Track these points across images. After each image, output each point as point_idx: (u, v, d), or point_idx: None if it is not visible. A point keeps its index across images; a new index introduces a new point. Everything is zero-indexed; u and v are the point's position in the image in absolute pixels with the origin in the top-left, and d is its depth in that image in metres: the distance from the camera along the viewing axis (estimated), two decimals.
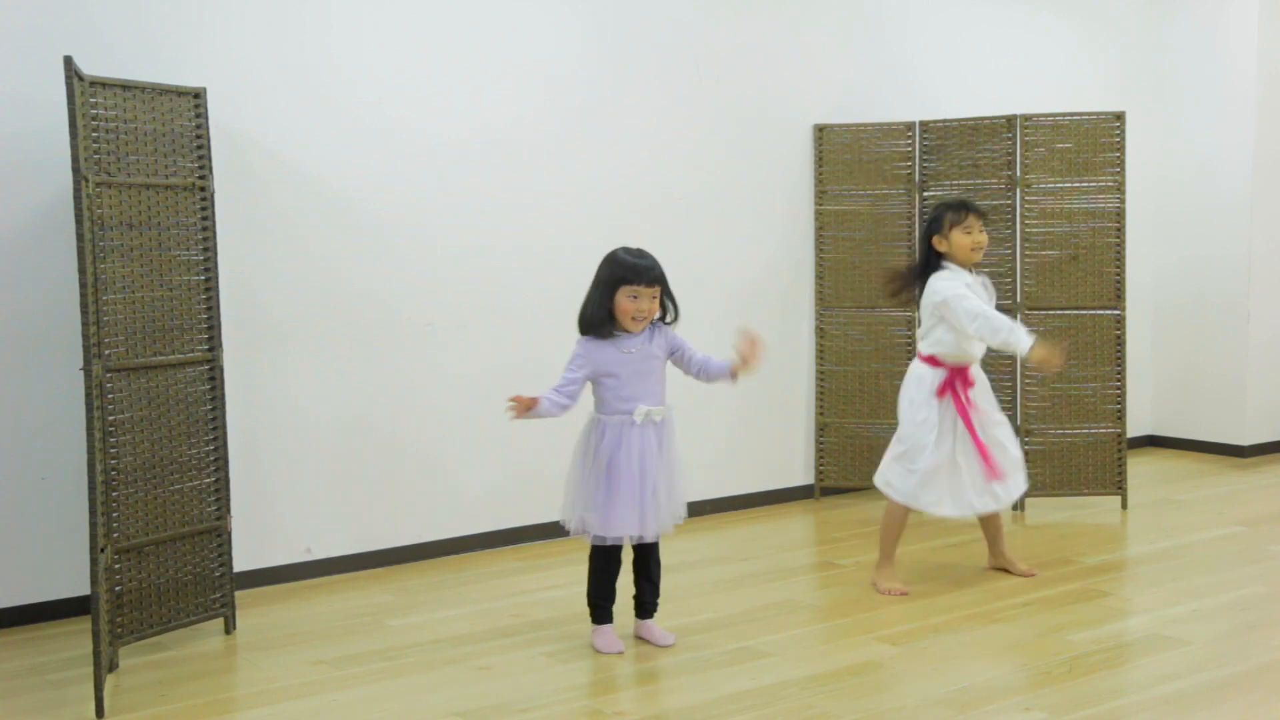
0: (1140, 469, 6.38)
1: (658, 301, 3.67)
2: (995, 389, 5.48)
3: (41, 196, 4.06)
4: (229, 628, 4.01)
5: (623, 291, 3.62)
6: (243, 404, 4.39)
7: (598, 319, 3.64)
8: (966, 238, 4.25)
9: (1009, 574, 4.52)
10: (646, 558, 3.82)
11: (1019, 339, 4.10)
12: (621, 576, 3.85)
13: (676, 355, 3.79)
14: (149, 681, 3.56)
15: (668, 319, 3.75)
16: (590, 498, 3.66)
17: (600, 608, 3.82)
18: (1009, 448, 4.36)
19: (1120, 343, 5.51)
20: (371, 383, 4.72)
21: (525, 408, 3.57)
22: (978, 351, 4.33)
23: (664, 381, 3.76)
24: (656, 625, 3.87)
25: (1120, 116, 5.46)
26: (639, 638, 3.84)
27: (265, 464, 4.50)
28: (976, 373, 4.36)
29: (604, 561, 3.78)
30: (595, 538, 3.70)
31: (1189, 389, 6.94)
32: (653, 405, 3.67)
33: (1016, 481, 4.36)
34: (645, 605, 3.86)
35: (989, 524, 4.54)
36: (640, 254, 3.66)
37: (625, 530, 3.65)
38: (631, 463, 3.63)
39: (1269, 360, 6.73)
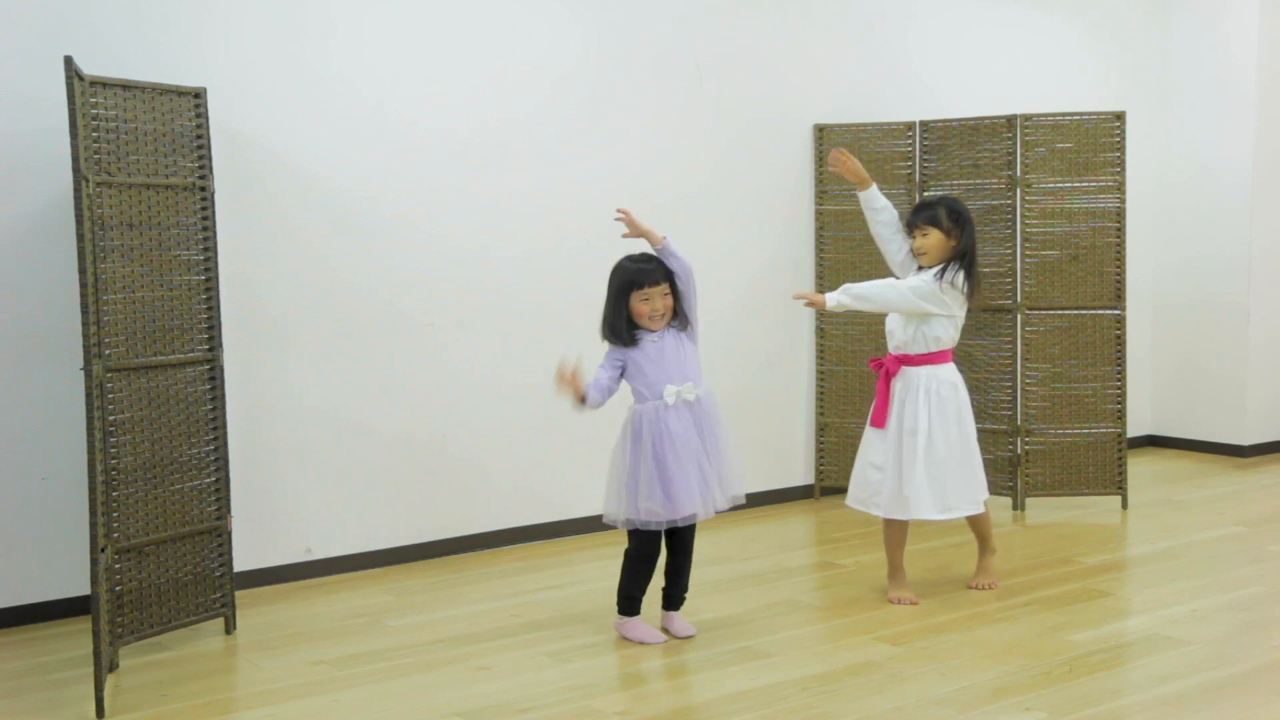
0: (1140, 469, 6.38)
1: (670, 297, 3.82)
2: (995, 388, 5.53)
3: (41, 196, 4.06)
4: (229, 628, 4.01)
5: (634, 297, 3.80)
6: (243, 404, 4.39)
7: (619, 327, 3.81)
8: (924, 240, 4.16)
9: (980, 577, 4.40)
10: (681, 549, 3.89)
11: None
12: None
13: (680, 297, 3.85)
14: (149, 681, 3.57)
15: (680, 322, 3.86)
16: (644, 486, 3.72)
17: (634, 599, 3.88)
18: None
19: (1120, 343, 5.51)
20: (372, 383, 4.72)
21: (571, 384, 3.73)
22: (897, 333, 4.21)
23: (694, 363, 3.86)
24: (679, 617, 3.92)
25: (1120, 116, 5.46)
26: (664, 629, 3.90)
27: (265, 464, 4.50)
28: (928, 373, 4.18)
29: (646, 552, 3.84)
30: (642, 524, 3.76)
31: (1189, 389, 6.94)
32: (682, 384, 3.78)
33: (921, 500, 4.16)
34: (673, 598, 3.93)
35: (973, 525, 4.40)
36: (644, 258, 3.84)
37: (689, 509, 3.73)
38: (676, 443, 3.73)
39: (1269, 360, 6.73)
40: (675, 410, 3.77)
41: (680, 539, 3.88)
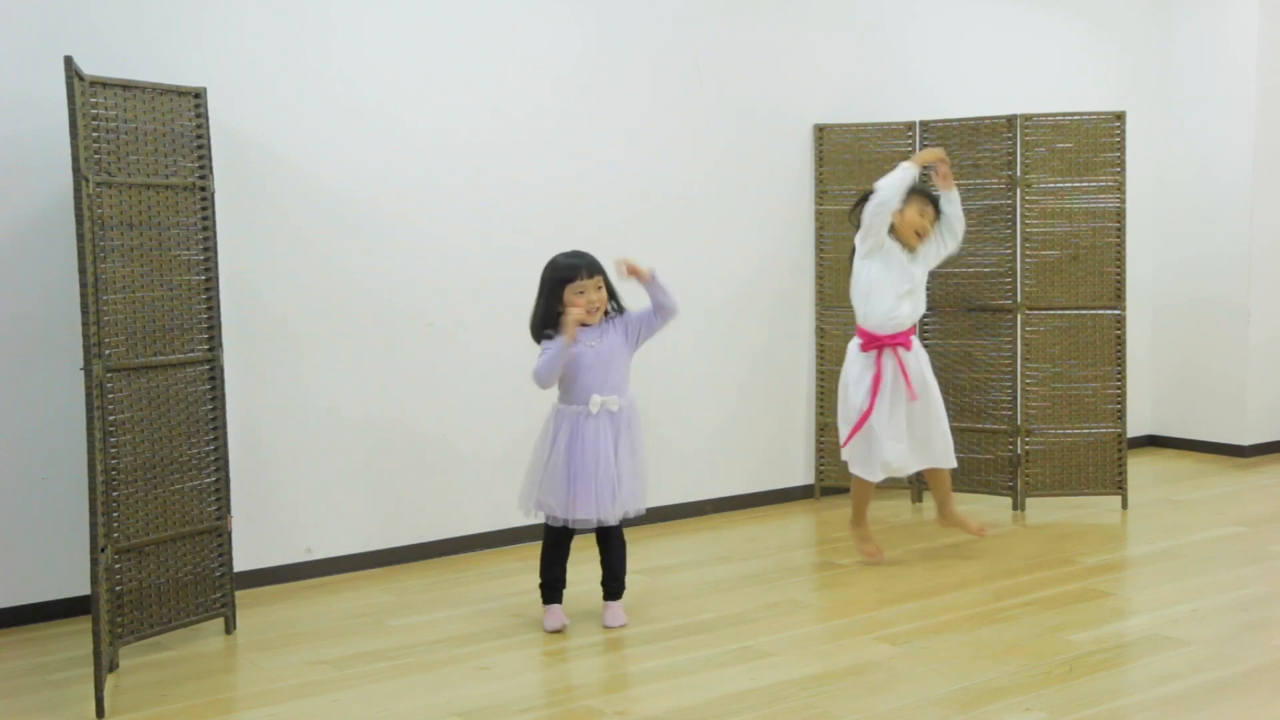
0: (1140, 469, 6.38)
1: (604, 290, 3.89)
2: (995, 388, 5.53)
3: (41, 196, 4.06)
4: (229, 628, 4.01)
5: (569, 290, 3.84)
6: (243, 404, 4.39)
7: (548, 323, 3.87)
8: (919, 219, 4.62)
9: (965, 531, 4.88)
10: (607, 542, 4.01)
11: (898, 175, 4.49)
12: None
13: (636, 327, 3.96)
14: (149, 681, 3.57)
15: (614, 307, 3.96)
16: (551, 483, 3.86)
17: (548, 587, 4.02)
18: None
19: (1120, 343, 5.51)
20: (371, 382, 4.72)
21: (633, 270, 3.84)
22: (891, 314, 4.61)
23: (626, 372, 3.95)
24: (616, 606, 4.03)
25: (1120, 116, 5.46)
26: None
27: (265, 464, 4.50)
28: (915, 340, 4.69)
29: (553, 544, 3.99)
30: (550, 519, 3.92)
31: (1189, 389, 6.94)
32: (608, 395, 3.87)
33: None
34: (606, 587, 4.06)
35: (935, 485, 4.82)
36: (576, 253, 3.90)
37: (585, 514, 3.86)
38: (587, 450, 3.84)
39: (1269, 360, 6.73)
40: (597, 419, 3.86)
41: (606, 532, 4.00)
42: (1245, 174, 6.59)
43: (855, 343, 4.66)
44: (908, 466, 4.66)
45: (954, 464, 4.76)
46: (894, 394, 4.57)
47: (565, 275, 3.84)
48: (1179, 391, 6.99)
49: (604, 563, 4.04)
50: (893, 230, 4.59)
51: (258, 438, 4.48)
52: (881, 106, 5.91)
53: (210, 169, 3.93)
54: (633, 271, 3.84)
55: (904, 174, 4.50)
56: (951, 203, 4.67)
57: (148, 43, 4.19)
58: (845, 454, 4.67)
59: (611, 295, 3.94)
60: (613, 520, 3.92)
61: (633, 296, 4.00)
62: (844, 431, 4.65)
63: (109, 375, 3.59)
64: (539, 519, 4.00)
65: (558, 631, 3.94)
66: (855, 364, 4.62)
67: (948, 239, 4.70)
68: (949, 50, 6.18)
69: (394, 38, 4.69)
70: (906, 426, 4.61)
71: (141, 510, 3.72)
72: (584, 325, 3.85)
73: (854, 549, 4.76)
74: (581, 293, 3.83)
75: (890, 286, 4.54)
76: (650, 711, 3.30)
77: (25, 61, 3.99)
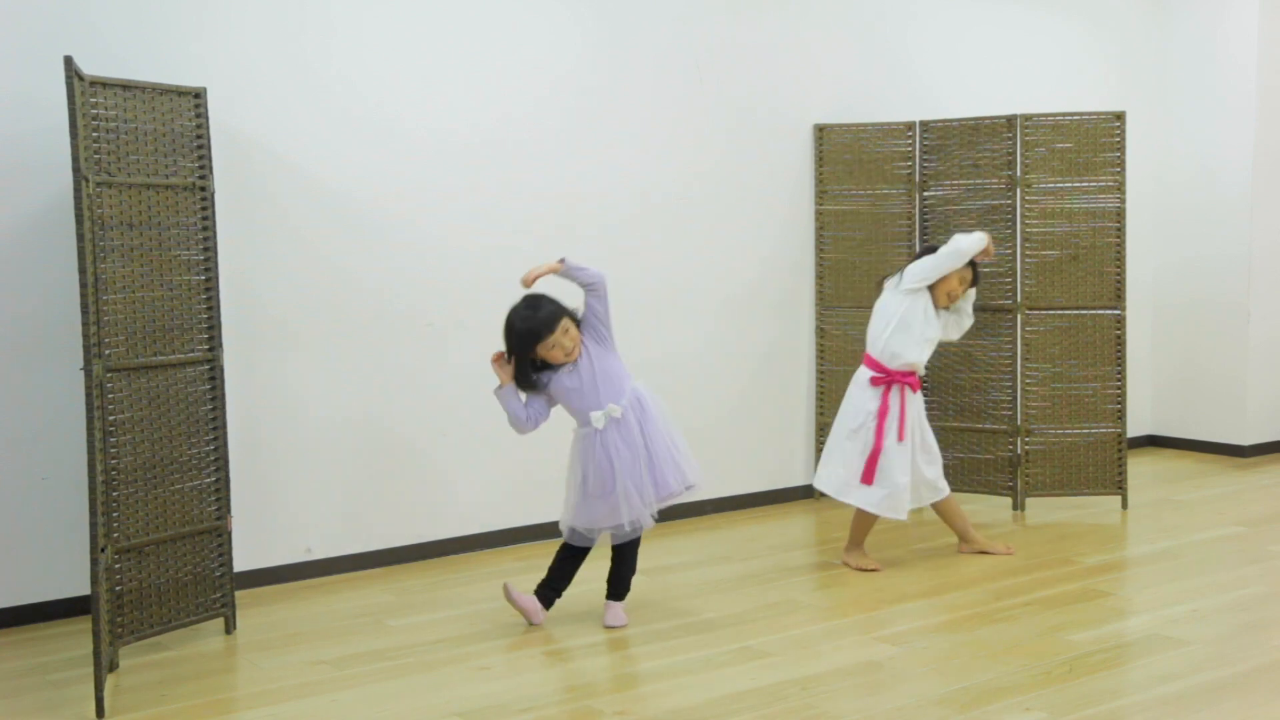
0: (1140, 469, 6.38)
1: (571, 330, 3.86)
2: (995, 388, 5.53)
3: (41, 196, 4.06)
4: (229, 628, 4.01)
5: (541, 349, 3.84)
6: (243, 404, 4.39)
7: (526, 379, 3.91)
8: (958, 286, 4.68)
9: (988, 554, 4.79)
10: (621, 551, 4.04)
11: (976, 240, 4.60)
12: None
13: (592, 324, 3.93)
14: (149, 681, 3.57)
15: (595, 335, 3.95)
16: (578, 506, 3.94)
17: (545, 585, 4.06)
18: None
19: (1120, 343, 5.51)
20: (372, 383, 4.72)
21: (500, 365, 3.91)
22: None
23: (615, 374, 3.93)
24: (617, 606, 4.05)
25: (1120, 116, 5.46)
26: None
27: (265, 464, 4.50)
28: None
29: (570, 555, 4.05)
30: (573, 535, 3.98)
31: (1189, 389, 6.94)
32: (605, 407, 3.88)
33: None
34: (612, 588, 4.07)
35: (948, 517, 4.79)
36: (531, 306, 3.85)
37: (605, 525, 3.93)
38: (603, 465, 3.88)
39: (1269, 360, 6.73)
40: (605, 433, 3.89)
41: (619, 543, 4.04)
42: (1245, 174, 6.59)
43: (866, 375, 4.64)
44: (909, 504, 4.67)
45: (948, 491, 4.74)
46: (901, 429, 4.58)
47: (533, 340, 3.83)
48: (1179, 391, 7.00)
49: (615, 560, 4.05)
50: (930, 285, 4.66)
51: (258, 438, 4.48)
52: (881, 106, 5.91)
53: (210, 169, 3.93)
54: (540, 277, 3.84)
55: (979, 241, 4.61)
56: (968, 300, 4.79)
57: (148, 43, 4.19)
58: (861, 499, 4.60)
59: (576, 321, 3.90)
60: (642, 527, 3.95)
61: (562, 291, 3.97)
62: (859, 470, 4.59)
63: (109, 375, 3.59)
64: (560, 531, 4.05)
65: (523, 614, 3.99)
66: (868, 398, 4.60)
67: (953, 326, 4.80)
68: (949, 50, 6.18)
69: (394, 38, 4.69)
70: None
71: (141, 510, 3.72)
72: (564, 362, 3.88)
73: (850, 566, 4.67)
74: (555, 346, 3.84)
75: (920, 331, 4.59)
76: (650, 711, 3.30)
77: (25, 61, 3.99)
